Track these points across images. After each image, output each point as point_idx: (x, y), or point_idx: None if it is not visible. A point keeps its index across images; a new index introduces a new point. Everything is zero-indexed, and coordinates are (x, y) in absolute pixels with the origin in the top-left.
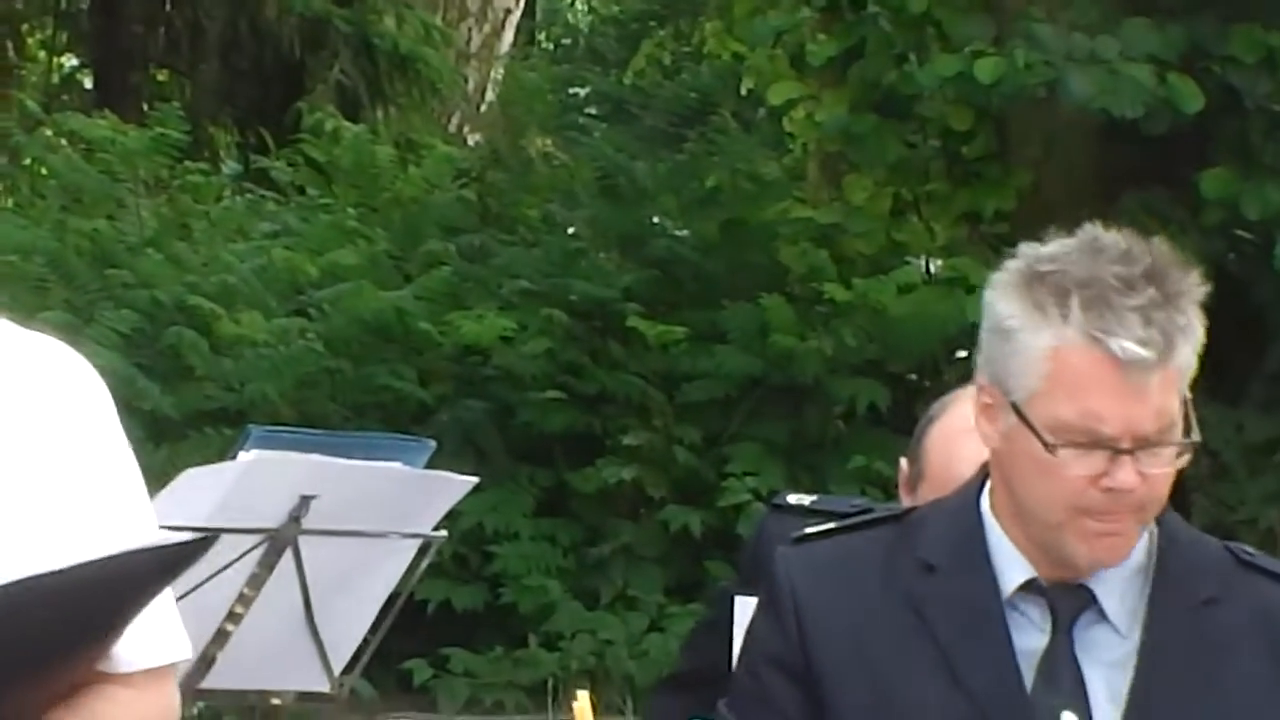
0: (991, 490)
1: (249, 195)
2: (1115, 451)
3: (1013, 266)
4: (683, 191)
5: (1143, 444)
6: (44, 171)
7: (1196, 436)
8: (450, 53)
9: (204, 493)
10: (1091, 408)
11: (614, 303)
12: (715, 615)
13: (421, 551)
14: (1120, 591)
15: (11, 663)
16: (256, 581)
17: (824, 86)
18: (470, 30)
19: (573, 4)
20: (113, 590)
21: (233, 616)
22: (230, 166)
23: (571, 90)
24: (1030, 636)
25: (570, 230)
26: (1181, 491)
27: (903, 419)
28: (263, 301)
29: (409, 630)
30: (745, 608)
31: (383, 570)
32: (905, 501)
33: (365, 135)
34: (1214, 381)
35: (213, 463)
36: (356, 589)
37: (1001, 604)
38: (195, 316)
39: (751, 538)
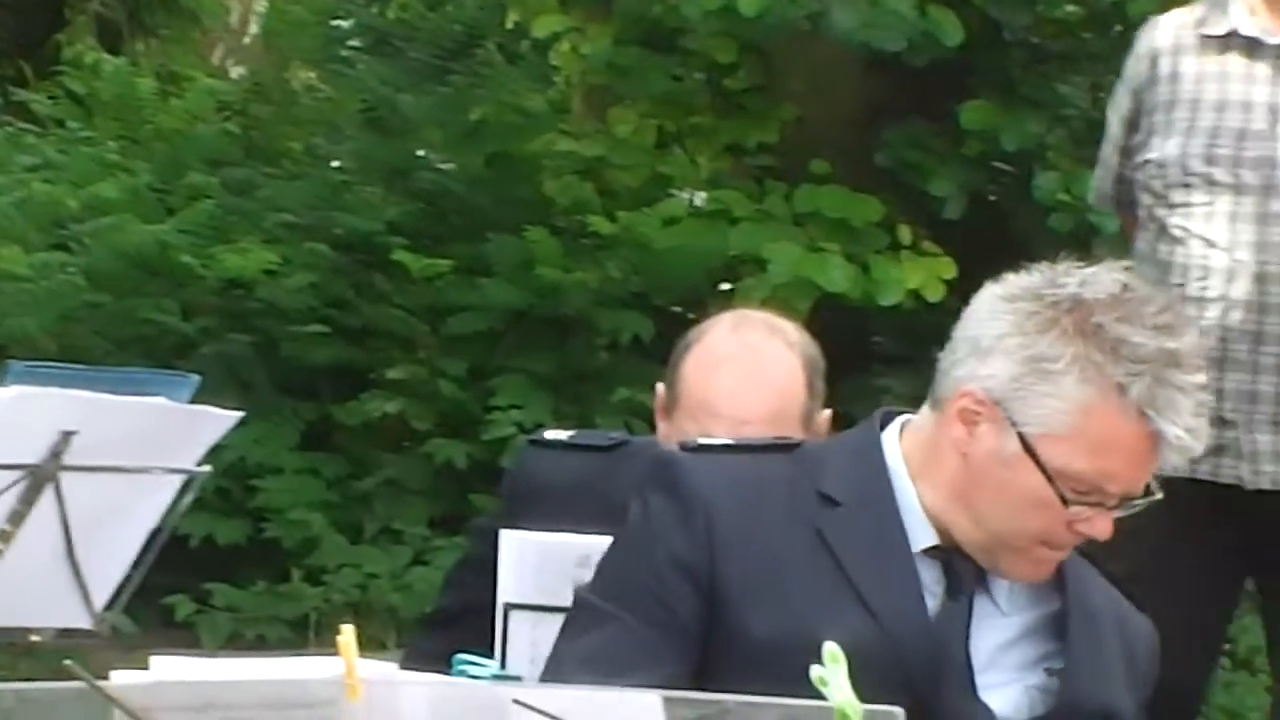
0: (917, 460)
1: (8, 129)
2: (1105, 506)
3: (1040, 292)
4: (448, 125)
5: (1125, 503)
6: None
7: (1159, 494)
8: None
9: None
10: (1110, 469)
11: (379, 236)
12: (478, 550)
13: (185, 487)
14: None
15: None
16: (16, 518)
17: (589, 19)
18: None
19: None
20: None
21: None
22: None
23: (335, 22)
24: (926, 597)
25: (335, 164)
26: None
27: (667, 351)
28: (22, 235)
29: (172, 566)
30: (511, 541)
31: (145, 506)
32: (661, 427)
33: (126, 67)
34: None
35: None
36: (119, 525)
37: (911, 554)
38: None
39: (510, 474)
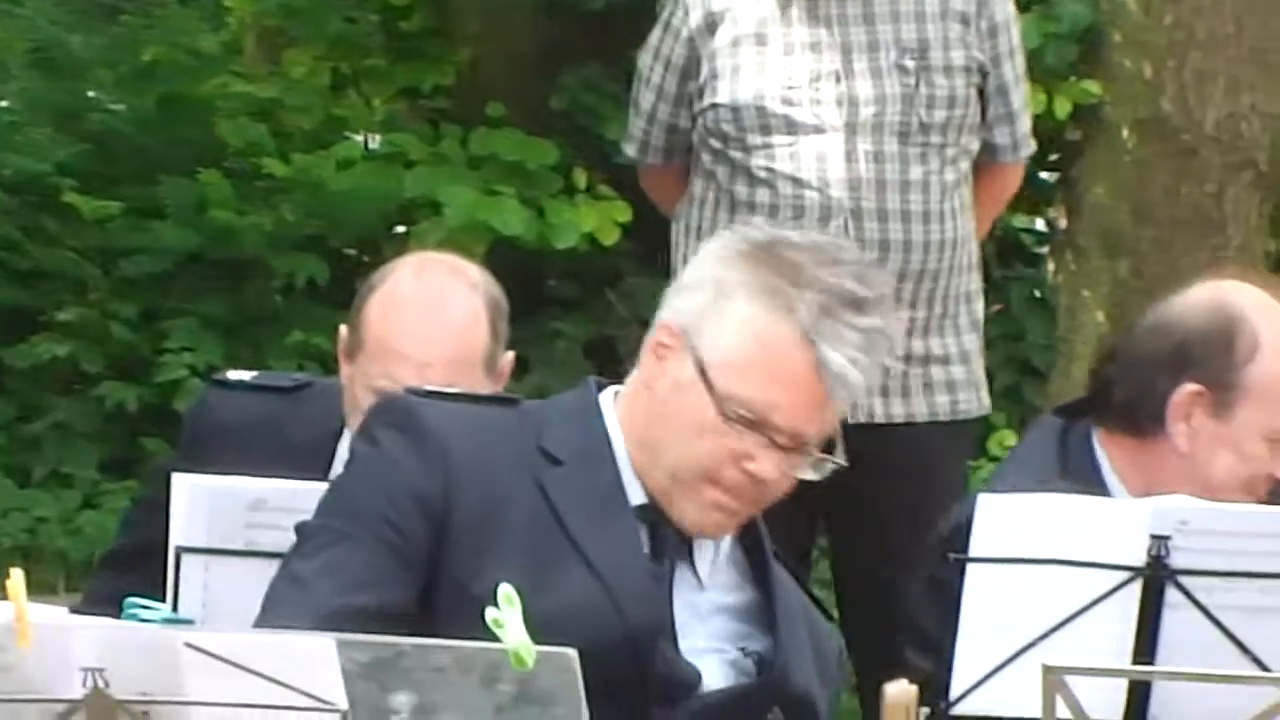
0: (628, 413)
1: None
2: (773, 443)
3: (750, 235)
4: (119, 66)
5: (798, 447)
6: None
7: (843, 460)
8: None
9: None
10: (777, 400)
11: (49, 177)
12: (153, 492)
13: None
14: (710, 545)
15: None
16: None
17: None
18: None
19: None
20: None
21: None
22: None
23: None
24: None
25: (3, 104)
26: (616, 361)
27: (342, 294)
28: None
29: None
30: (182, 484)
31: None
32: (344, 370)
33: None
34: (650, 254)
35: None
36: None
37: (630, 512)
38: None
39: (191, 414)
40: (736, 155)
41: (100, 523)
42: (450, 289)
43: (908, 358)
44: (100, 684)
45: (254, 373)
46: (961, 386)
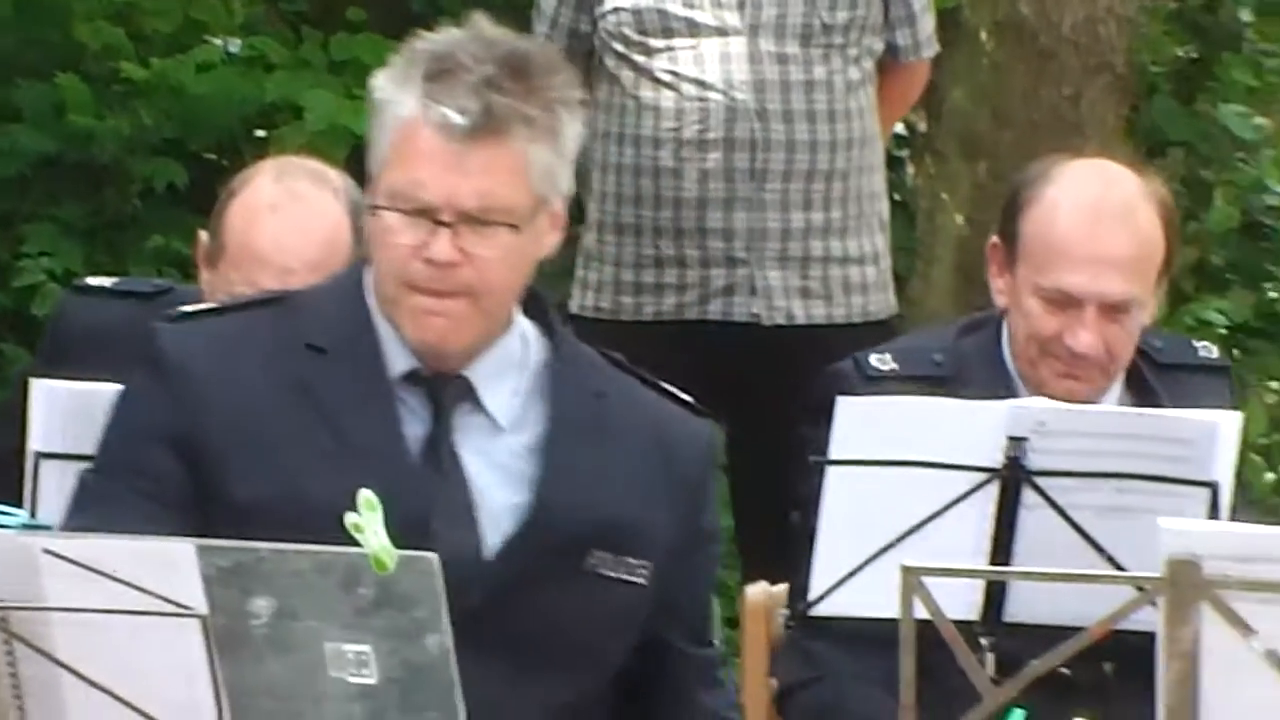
0: (373, 273)
1: None
2: (436, 223)
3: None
4: None
5: (465, 220)
6: None
7: (516, 220)
8: None
9: None
10: (417, 175)
11: None
12: (10, 399)
13: None
14: (497, 385)
15: None
16: None
17: None
18: None
19: None
20: None
21: None
22: None
23: None
24: (413, 425)
25: None
26: None
27: (201, 198)
28: None
29: None
30: (40, 390)
31: None
32: (204, 276)
33: None
34: None
35: None
36: None
37: (391, 387)
38: None
39: (51, 321)
40: (639, 59)
41: None
42: (312, 194)
43: (826, 259)
44: None
45: (113, 279)
46: (874, 288)
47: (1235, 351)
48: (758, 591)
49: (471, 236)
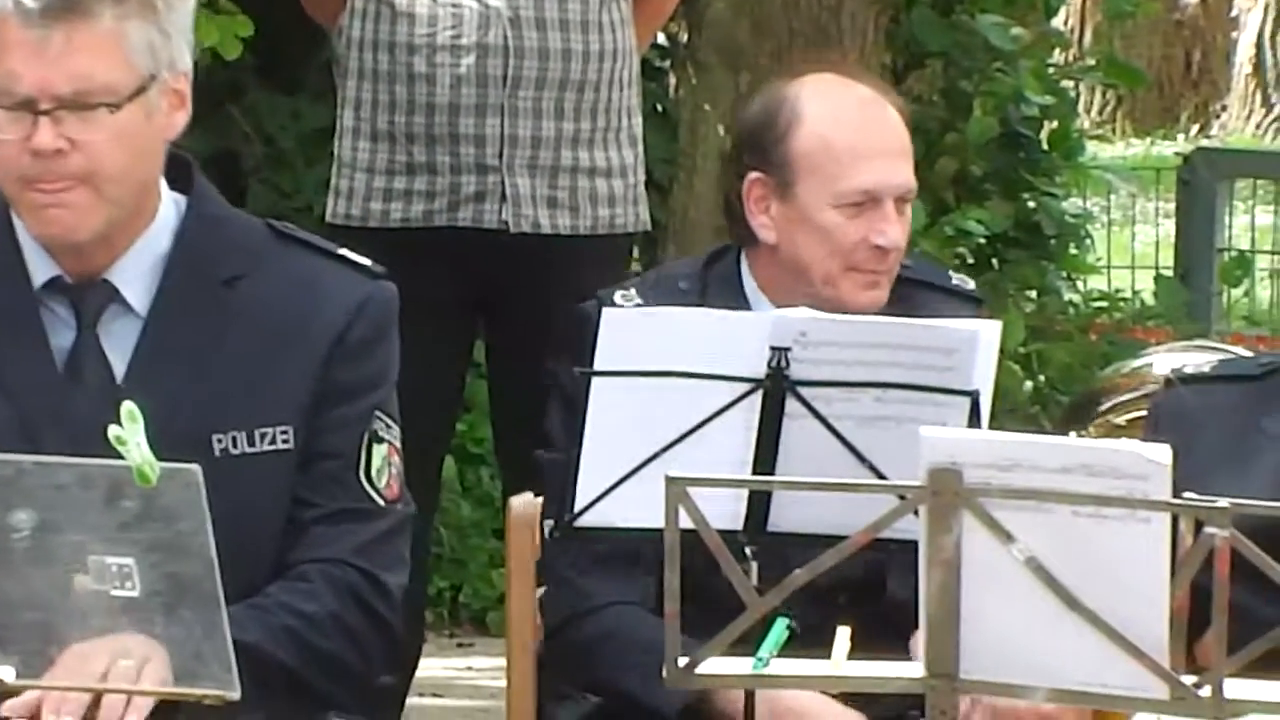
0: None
1: None
2: (37, 114)
3: None
4: None
5: (64, 105)
6: None
7: (118, 99)
8: None
9: None
10: (10, 67)
11: None
12: None
13: None
14: (141, 281)
15: None
16: None
17: None
18: None
19: None
20: None
21: None
22: None
23: None
24: (62, 335)
25: None
26: (239, 176)
27: None
28: None
29: None
30: None
31: None
32: None
33: None
34: (272, 69)
35: None
36: None
37: (34, 302)
38: None
39: None
40: None
41: None
42: None
43: (575, 169)
44: None
45: None
46: (620, 201)
47: (994, 261)
48: (521, 503)
49: (75, 122)
